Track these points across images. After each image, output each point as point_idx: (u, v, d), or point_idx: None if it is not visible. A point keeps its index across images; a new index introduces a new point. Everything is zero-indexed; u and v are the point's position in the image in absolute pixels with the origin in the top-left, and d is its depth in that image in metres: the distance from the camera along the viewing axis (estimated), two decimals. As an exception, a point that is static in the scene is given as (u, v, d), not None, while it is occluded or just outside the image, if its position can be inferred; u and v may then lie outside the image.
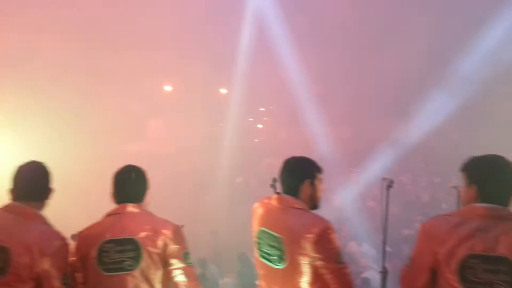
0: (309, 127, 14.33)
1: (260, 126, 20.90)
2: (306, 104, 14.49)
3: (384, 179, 3.05)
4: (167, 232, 2.39)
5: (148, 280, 2.35)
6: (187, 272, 2.44)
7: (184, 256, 2.44)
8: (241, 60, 15.30)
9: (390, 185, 3.00)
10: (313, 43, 14.73)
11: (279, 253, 2.44)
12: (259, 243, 2.58)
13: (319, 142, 13.42)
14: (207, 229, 9.64)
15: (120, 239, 2.34)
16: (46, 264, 2.26)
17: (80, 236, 2.47)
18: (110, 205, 2.53)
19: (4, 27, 9.91)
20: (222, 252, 8.92)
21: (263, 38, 14.15)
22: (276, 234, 2.47)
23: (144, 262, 2.33)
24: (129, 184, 2.52)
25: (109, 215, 2.49)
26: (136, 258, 2.32)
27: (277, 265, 2.45)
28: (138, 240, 2.33)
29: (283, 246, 2.43)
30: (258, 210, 2.67)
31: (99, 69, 11.66)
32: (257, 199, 2.75)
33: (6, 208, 2.41)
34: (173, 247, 2.39)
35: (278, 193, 2.59)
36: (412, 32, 12.60)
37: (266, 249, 2.52)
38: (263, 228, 2.56)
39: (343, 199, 10.39)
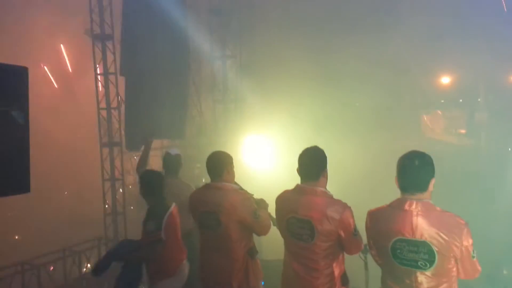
0: None
1: None
2: None
3: None
4: (459, 233, 2.35)
5: (442, 276, 2.41)
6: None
7: (472, 253, 2.43)
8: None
9: None
10: None
11: None
12: None
13: None
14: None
15: (412, 240, 2.41)
16: (338, 225, 2.86)
17: (371, 218, 2.68)
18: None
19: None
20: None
21: None
22: None
23: (439, 262, 2.37)
24: (412, 170, 2.49)
25: (393, 207, 2.54)
26: (431, 261, 2.39)
27: None
28: (432, 246, 2.37)
29: None
30: None
31: (376, 59, 11.65)
32: None
33: (294, 190, 3.07)
34: (465, 245, 2.36)
35: None
36: None
37: None
38: None
39: None
